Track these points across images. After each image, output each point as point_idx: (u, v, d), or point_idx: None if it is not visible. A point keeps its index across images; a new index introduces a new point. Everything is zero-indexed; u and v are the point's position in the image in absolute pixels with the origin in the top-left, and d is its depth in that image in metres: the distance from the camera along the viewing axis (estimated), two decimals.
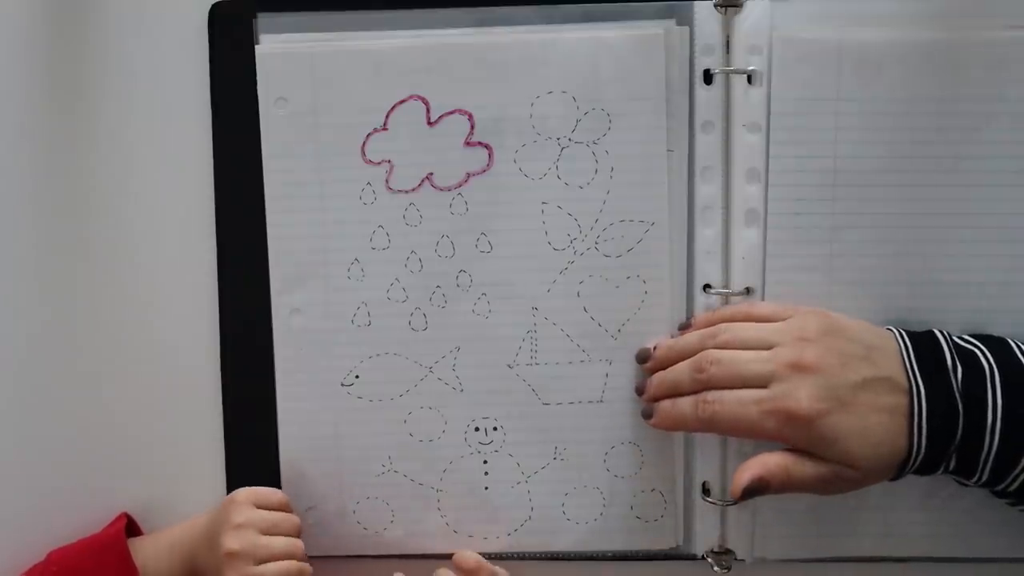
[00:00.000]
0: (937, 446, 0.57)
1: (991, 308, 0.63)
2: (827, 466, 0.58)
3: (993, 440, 0.56)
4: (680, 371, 0.62)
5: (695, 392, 0.60)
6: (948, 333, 0.60)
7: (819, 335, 0.59)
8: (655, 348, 0.64)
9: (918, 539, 0.66)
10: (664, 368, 0.63)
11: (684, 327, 0.64)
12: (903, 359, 0.58)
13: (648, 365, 0.64)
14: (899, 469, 0.58)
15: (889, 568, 0.66)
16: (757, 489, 0.58)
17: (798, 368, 0.58)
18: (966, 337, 0.60)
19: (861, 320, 0.61)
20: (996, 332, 0.62)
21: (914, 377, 0.58)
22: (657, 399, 0.63)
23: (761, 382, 0.58)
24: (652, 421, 0.63)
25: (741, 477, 0.58)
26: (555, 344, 0.66)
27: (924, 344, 0.59)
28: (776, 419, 0.57)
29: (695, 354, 0.61)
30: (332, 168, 0.65)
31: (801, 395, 0.57)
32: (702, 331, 0.62)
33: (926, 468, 0.58)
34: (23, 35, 0.66)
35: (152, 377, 0.68)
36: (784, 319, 0.61)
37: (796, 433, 0.58)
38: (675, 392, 0.62)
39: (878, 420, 0.57)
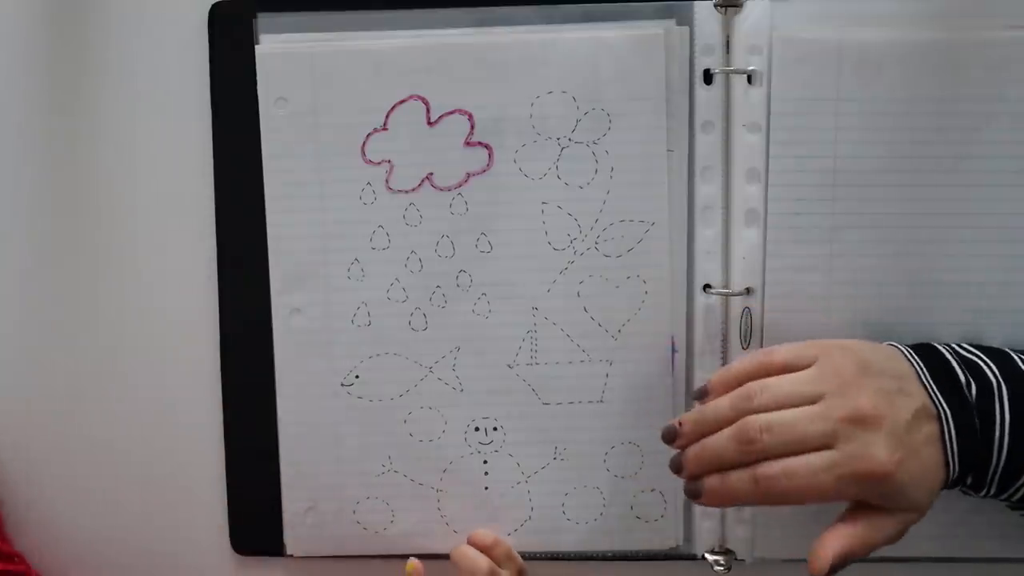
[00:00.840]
0: (965, 467, 0.56)
1: (991, 308, 0.63)
2: (894, 520, 0.55)
3: (1001, 454, 0.56)
4: (722, 444, 0.56)
5: (745, 464, 0.56)
6: (948, 345, 0.60)
7: (858, 376, 0.55)
8: (680, 424, 0.59)
9: (919, 539, 0.65)
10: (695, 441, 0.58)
11: (701, 396, 0.60)
12: (923, 382, 0.57)
13: (679, 443, 0.59)
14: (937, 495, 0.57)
15: (889, 568, 0.66)
16: (842, 565, 0.55)
17: (857, 421, 0.54)
18: (965, 346, 0.60)
19: (863, 341, 0.59)
20: (995, 332, 0.62)
21: (939, 400, 0.56)
22: (698, 476, 0.57)
23: (820, 441, 0.54)
24: (702, 501, 0.57)
25: (825, 556, 0.54)
26: (555, 344, 0.66)
27: (932, 360, 0.58)
28: (855, 482, 0.54)
29: (729, 422, 0.56)
30: (332, 168, 0.65)
31: (875, 452, 0.54)
32: (732, 395, 0.57)
33: (950, 487, 0.57)
34: (23, 35, 0.66)
35: (152, 377, 0.68)
36: (806, 362, 0.57)
37: (872, 490, 0.55)
38: (719, 466, 0.56)
39: (927, 453, 0.55)
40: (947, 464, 0.56)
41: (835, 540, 0.55)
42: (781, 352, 0.58)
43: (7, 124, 0.67)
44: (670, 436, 0.59)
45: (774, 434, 0.55)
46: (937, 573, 0.66)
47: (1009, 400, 0.56)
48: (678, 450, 0.59)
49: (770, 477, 0.55)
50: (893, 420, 0.54)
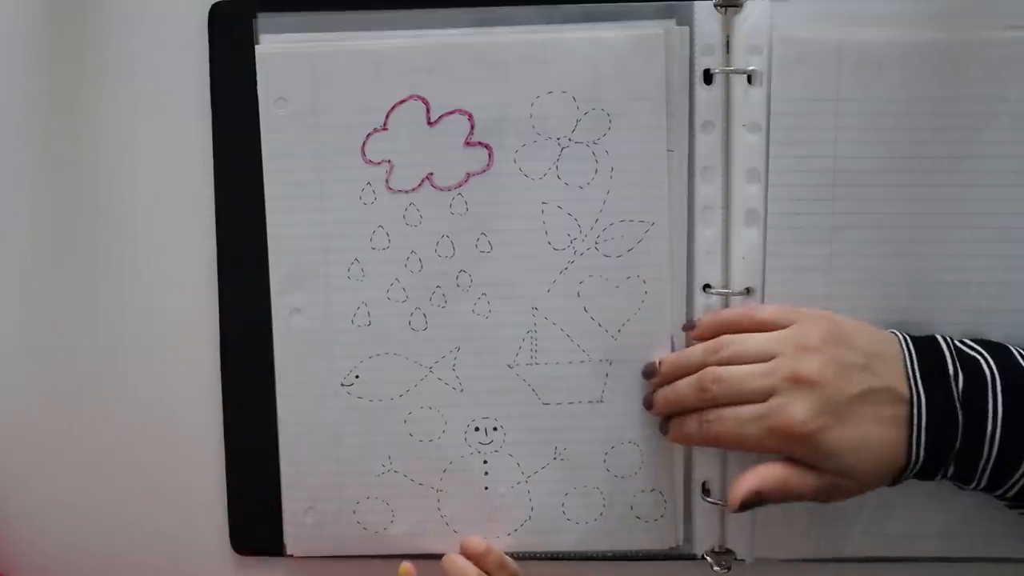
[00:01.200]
0: (936, 455, 0.57)
1: (991, 308, 0.63)
2: (825, 477, 0.58)
3: (992, 448, 0.57)
4: (683, 389, 0.62)
5: (701, 409, 0.61)
6: (951, 338, 0.60)
7: (821, 343, 0.58)
8: (660, 363, 0.64)
9: (918, 539, 0.66)
10: (670, 382, 0.63)
11: (688, 327, 0.64)
12: (905, 367, 0.58)
13: (654, 381, 0.64)
14: (896, 477, 0.58)
15: (889, 568, 0.66)
16: (754, 502, 0.58)
17: (796, 381, 0.58)
18: (967, 342, 0.60)
19: (864, 324, 0.61)
20: (996, 332, 0.62)
21: (915, 386, 0.57)
22: (664, 415, 0.64)
23: (762, 396, 0.58)
24: (669, 436, 0.64)
25: (739, 489, 0.59)
26: (555, 344, 0.66)
27: (926, 350, 0.59)
28: (776, 436, 0.58)
29: (698, 369, 0.61)
30: (332, 168, 0.65)
31: (798, 410, 0.57)
32: (704, 345, 0.62)
33: (923, 475, 0.58)
34: (23, 35, 0.66)
35: (152, 377, 0.68)
36: (788, 324, 0.60)
37: (796, 448, 0.58)
38: (681, 409, 0.62)
39: (877, 431, 0.57)
40: (909, 447, 0.57)
41: (752, 479, 0.59)
42: (765, 311, 0.62)
43: (7, 124, 0.67)
44: (649, 372, 0.64)
45: (723, 385, 0.59)
46: (937, 573, 0.66)
47: (1003, 392, 0.57)
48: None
49: (708, 423, 0.60)
50: (833, 389, 0.57)
